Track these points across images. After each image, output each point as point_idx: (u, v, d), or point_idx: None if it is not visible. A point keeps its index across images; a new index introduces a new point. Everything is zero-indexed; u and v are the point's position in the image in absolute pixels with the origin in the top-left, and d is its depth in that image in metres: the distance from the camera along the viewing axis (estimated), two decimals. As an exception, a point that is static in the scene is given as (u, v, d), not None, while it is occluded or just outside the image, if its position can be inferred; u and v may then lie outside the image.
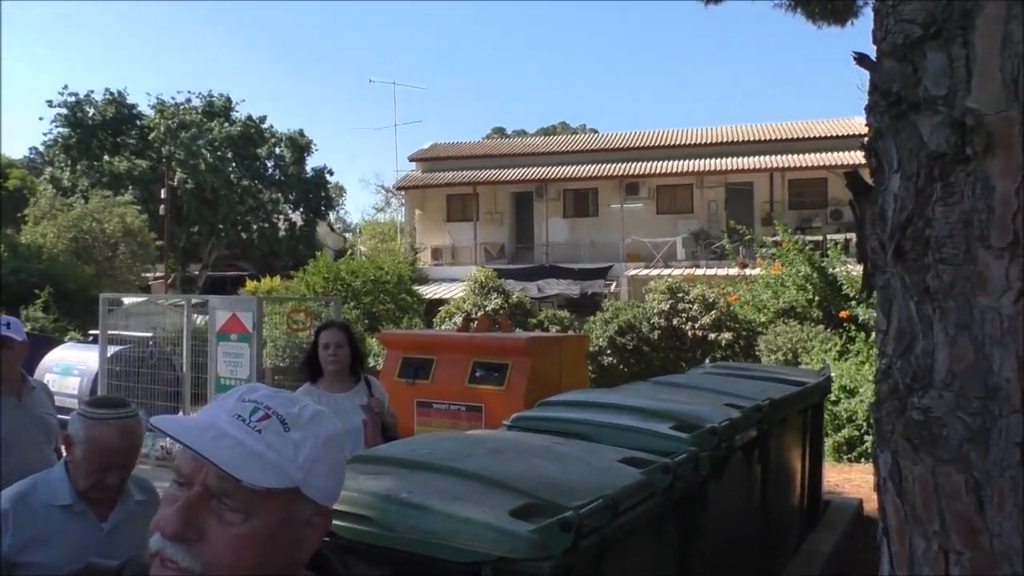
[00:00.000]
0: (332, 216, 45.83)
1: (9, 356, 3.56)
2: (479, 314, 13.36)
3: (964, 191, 0.98)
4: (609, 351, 13.15)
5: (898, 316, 1.09)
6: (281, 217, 40.37)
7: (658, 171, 23.84)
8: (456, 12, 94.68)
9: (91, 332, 10.12)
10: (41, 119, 72.15)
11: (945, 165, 0.99)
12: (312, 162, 41.27)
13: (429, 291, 20.73)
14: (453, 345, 6.84)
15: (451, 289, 20.68)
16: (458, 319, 14.31)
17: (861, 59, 1.11)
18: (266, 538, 0.93)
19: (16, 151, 52.25)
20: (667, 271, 19.92)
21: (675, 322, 13.51)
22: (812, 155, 22.67)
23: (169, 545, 0.91)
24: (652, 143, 25.81)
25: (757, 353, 12.10)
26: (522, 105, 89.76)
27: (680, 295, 13.76)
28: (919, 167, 1.02)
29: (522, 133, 46.97)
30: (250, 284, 24.94)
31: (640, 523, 2.65)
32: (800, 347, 11.11)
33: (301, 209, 40.94)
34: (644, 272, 21.18)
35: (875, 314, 1.19)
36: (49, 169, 36.59)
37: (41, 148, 38.67)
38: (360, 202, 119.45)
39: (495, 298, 15.08)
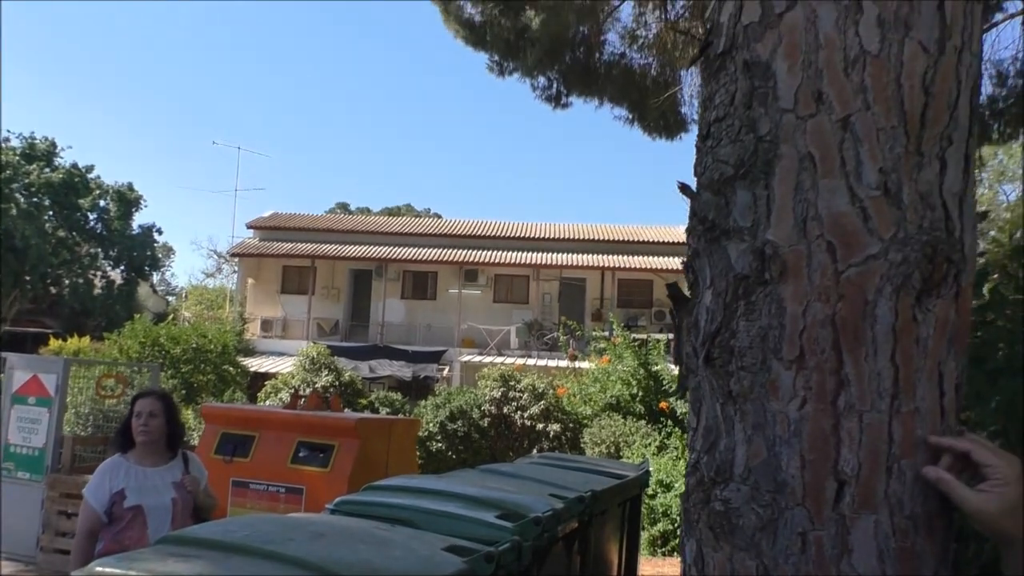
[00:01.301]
0: (156, 277, 43.43)
1: None
2: (309, 391, 12.96)
3: (762, 309, 1.13)
4: (439, 436, 13.10)
5: (706, 415, 1.22)
6: (99, 274, 37.74)
7: (497, 260, 24.51)
8: (306, 83, 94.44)
9: None
10: None
11: (748, 286, 1.15)
12: (140, 218, 39.23)
13: (255, 364, 19.90)
14: (278, 422, 6.60)
15: (279, 363, 19.97)
16: (284, 395, 13.82)
17: (684, 189, 1.27)
18: None
19: None
20: (500, 359, 20.28)
21: (505, 410, 13.71)
22: (641, 258, 24.20)
23: None
24: (493, 233, 26.59)
25: (583, 445, 12.47)
26: (368, 183, 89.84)
27: (512, 383, 14.03)
28: (727, 285, 1.17)
29: (366, 211, 46.98)
30: (54, 343, 22.88)
31: (460, 612, 2.64)
32: (622, 440, 11.57)
33: (122, 267, 38.50)
34: (478, 358, 21.42)
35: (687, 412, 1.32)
36: None
37: None
38: (189, 265, 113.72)
39: (326, 375, 14.71)
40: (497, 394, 13.82)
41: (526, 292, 25.51)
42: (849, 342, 1.09)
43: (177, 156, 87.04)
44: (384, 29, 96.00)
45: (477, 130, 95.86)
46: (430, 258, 24.72)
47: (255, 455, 6.34)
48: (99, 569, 2.03)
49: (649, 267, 23.51)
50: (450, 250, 25.14)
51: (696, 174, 1.25)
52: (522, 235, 26.28)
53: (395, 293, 25.50)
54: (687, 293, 1.31)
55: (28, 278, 33.50)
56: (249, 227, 27.77)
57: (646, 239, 25.26)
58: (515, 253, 24.89)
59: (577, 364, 16.98)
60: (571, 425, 13.56)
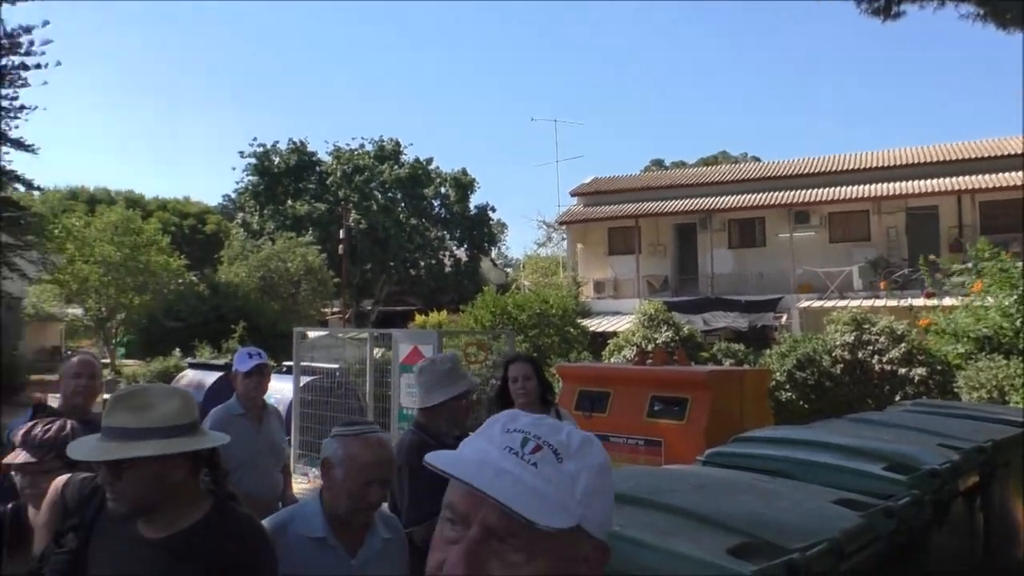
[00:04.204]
0: (494, 252, 46.97)
1: (260, 384, 3.95)
2: (651, 347, 13.16)
3: None
4: (788, 386, 12.53)
5: None
6: (447, 254, 41.84)
7: (830, 197, 22.71)
8: (611, 50, 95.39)
9: (285, 364, 10.83)
10: (234, 169, 79.26)
11: None
12: (475, 199, 42.63)
13: (593, 324, 20.69)
14: (630, 378, 6.77)
15: (615, 322, 20.53)
16: (627, 352, 14.18)
17: None
18: None
19: (212, 199, 57.48)
20: (843, 302, 18.85)
21: (860, 355, 12.69)
22: (1008, 175, 20.82)
23: None
24: (822, 169, 24.67)
25: (956, 390, 11.12)
26: (679, 136, 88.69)
27: (865, 326, 12.93)
28: None
29: (681, 164, 46.31)
30: (418, 318, 25.94)
31: (864, 570, 2.48)
32: (1007, 384, 10.10)
33: (465, 245, 42.23)
34: (818, 303, 20.13)
35: None
36: (240, 214, 39.95)
37: (233, 195, 42.32)
38: (521, 238, 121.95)
39: (665, 331, 14.80)
40: (849, 339, 12.84)
41: (866, 228, 23.33)
42: None
43: (501, 138, 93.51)
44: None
45: (786, 67, 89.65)
46: (756, 203, 23.65)
47: (611, 410, 6.58)
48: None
49: (1020, 183, 20.10)
50: (776, 193, 23.80)
51: None
52: (854, 167, 24.02)
53: (722, 243, 24.86)
54: None
55: (392, 264, 38.24)
56: (573, 195, 28.85)
57: (1012, 151, 21.61)
58: (849, 188, 22.84)
59: (936, 301, 15.15)
60: (938, 368, 12.16)
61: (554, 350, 16.47)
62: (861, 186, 22.68)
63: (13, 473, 2.45)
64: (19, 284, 26.31)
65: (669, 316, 15.64)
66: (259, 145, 40.03)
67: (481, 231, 42.27)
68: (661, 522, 2.43)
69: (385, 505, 2.38)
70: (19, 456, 2.38)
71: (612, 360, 14.20)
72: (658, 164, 49.46)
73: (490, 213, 43.12)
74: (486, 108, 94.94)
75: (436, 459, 0.92)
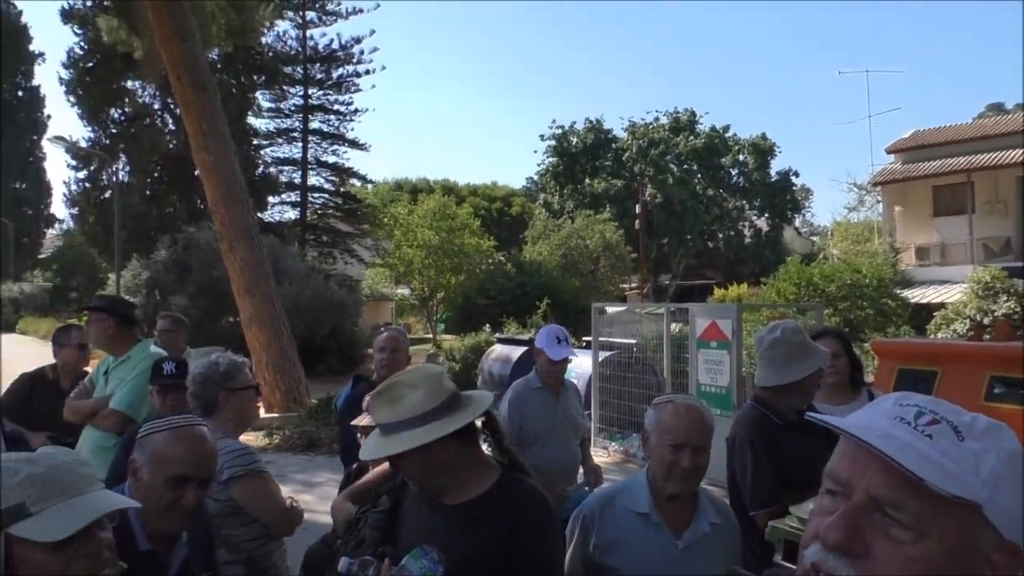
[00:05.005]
0: (798, 220, 44.45)
1: (562, 369, 4.13)
2: (989, 320, 11.53)
3: None
4: None
5: None
6: (746, 224, 40.36)
7: None
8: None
9: (585, 339, 11.12)
10: (535, 152, 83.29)
11: None
12: (776, 165, 40.60)
13: (915, 295, 18.63)
14: (963, 356, 5.95)
15: (942, 292, 18.30)
16: (959, 326, 12.58)
17: None
18: (940, 565, 0.78)
19: (517, 182, 60.91)
20: None
21: None
22: None
23: (831, 557, 0.81)
24: None
25: None
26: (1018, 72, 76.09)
27: None
28: None
29: (1026, 107, 39.78)
30: (718, 292, 25.29)
31: None
32: None
33: (766, 215, 40.42)
34: None
35: None
36: (542, 195, 41.83)
37: (535, 177, 44.40)
38: (829, 203, 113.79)
39: (1005, 301, 12.87)
40: None
41: None
42: None
43: (802, 97, 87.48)
44: None
45: None
46: None
47: (939, 391, 5.82)
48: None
49: None
50: None
51: None
52: None
53: (1082, 197, 20.98)
54: None
55: (688, 237, 37.70)
56: (889, 152, 26.11)
57: None
58: None
59: None
60: None
61: (868, 324, 15.09)
62: None
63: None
64: (357, 268, 30.10)
65: (1011, 284, 13.54)
66: (558, 127, 41.56)
67: (783, 198, 40.15)
68: None
69: (708, 485, 2.29)
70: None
71: (939, 335, 12.64)
72: (996, 108, 42.97)
73: (793, 179, 40.82)
74: (784, 67, 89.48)
75: (820, 417, 0.87)
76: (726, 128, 40.56)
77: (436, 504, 1.93)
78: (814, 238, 44.84)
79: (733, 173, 40.62)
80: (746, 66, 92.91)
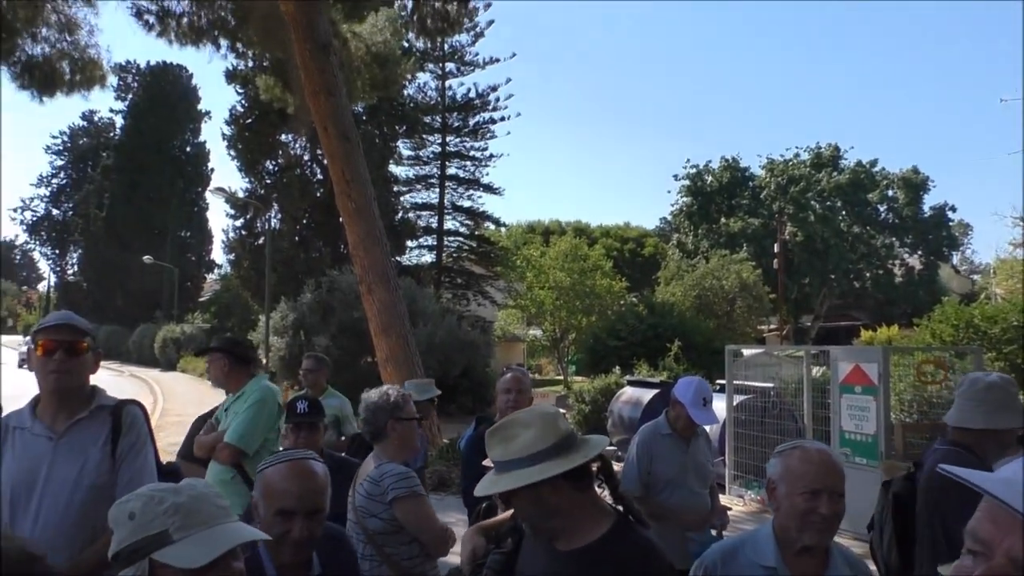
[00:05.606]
0: (956, 257, 41.58)
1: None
2: None
3: None
4: None
5: None
6: (896, 262, 38.16)
7: None
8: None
9: (719, 381, 10.76)
10: (668, 192, 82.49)
11: None
12: (930, 200, 38.25)
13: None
14: None
15: None
16: None
17: None
18: None
19: (650, 223, 60.39)
20: None
21: None
22: None
23: None
24: None
25: None
26: None
27: None
28: None
29: None
30: (865, 334, 23.89)
31: None
32: None
33: (919, 252, 38.07)
34: None
35: None
36: (676, 235, 41.24)
37: (669, 217, 43.86)
38: (992, 239, 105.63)
39: None
40: None
41: None
42: None
43: (958, 127, 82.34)
44: None
45: None
46: None
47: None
48: None
49: None
50: None
51: None
52: None
53: None
54: None
55: (832, 276, 35.98)
56: (1058, 183, 24.07)
57: None
58: None
59: None
60: None
61: (1039, 370, 13.74)
62: None
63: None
64: (490, 310, 30.59)
65: None
66: (692, 166, 41.05)
67: (938, 235, 37.69)
68: None
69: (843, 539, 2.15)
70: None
71: None
72: None
73: (949, 214, 38.25)
74: (937, 97, 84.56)
75: (968, 475, 0.82)
76: (873, 162, 38.72)
77: (550, 548, 1.90)
78: (975, 276, 41.80)
79: (881, 209, 38.61)
80: (893, 98, 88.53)
